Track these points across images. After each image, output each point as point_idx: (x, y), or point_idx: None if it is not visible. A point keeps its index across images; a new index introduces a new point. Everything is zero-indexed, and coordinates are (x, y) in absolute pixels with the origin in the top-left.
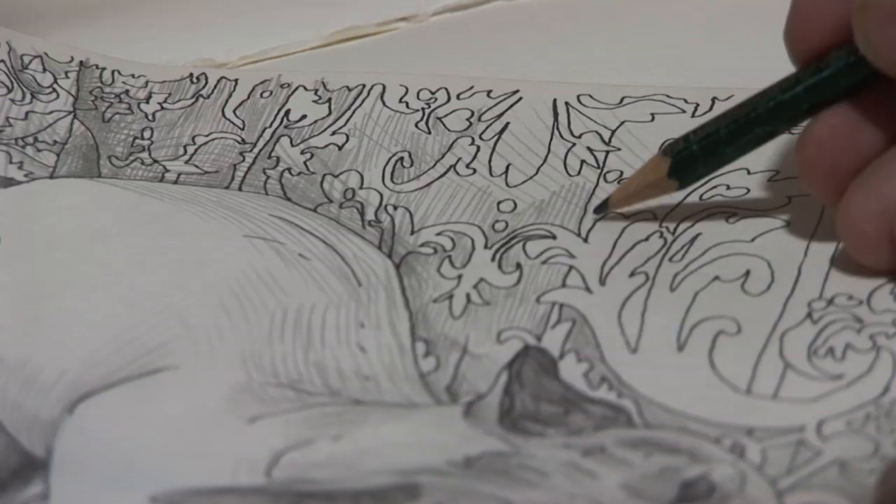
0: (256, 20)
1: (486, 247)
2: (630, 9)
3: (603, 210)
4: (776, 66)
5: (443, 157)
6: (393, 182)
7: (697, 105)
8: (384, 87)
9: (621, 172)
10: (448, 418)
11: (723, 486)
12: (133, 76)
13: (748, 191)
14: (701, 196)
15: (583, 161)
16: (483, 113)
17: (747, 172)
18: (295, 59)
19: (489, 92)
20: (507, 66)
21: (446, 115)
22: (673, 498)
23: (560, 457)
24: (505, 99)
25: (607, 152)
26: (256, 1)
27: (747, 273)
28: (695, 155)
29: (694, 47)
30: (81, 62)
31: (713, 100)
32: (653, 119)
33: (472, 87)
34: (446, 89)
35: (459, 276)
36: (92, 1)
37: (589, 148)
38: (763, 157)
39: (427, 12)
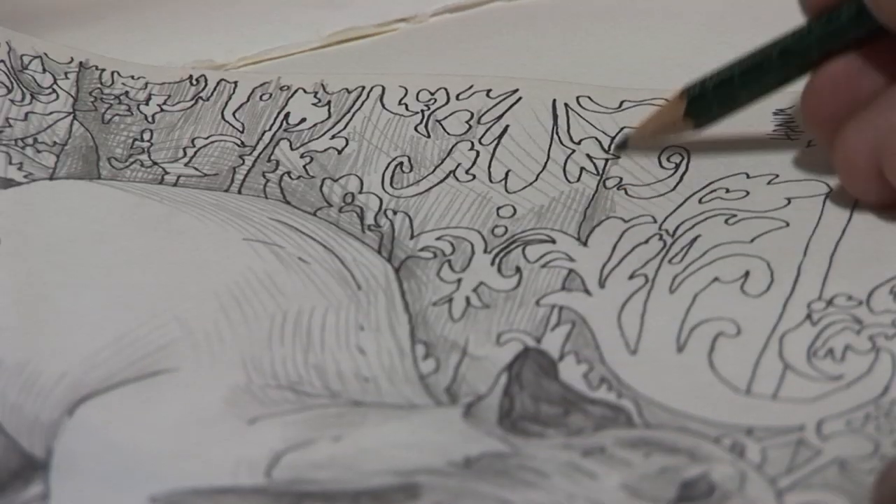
0: (256, 21)
1: (485, 251)
2: (630, 10)
3: (623, 148)
4: None
5: (442, 162)
6: (392, 187)
7: None
8: (383, 88)
9: (620, 179)
10: (448, 419)
11: (722, 486)
12: (133, 77)
13: (747, 193)
14: (700, 199)
15: (582, 168)
16: (482, 114)
17: (746, 176)
18: (294, 61)
19: (488, 92)
20: (506, 67)
21: (445, 118)
22: (673, 498)
23: (560, 457)
24: (504, 99)
25: (607, 160)
26: (256, 2)
27: (747, 274)
28: (709, 97)
29: (694, 49)
30: (81, 63)
31: None
32: None
33: (471, 87)
34: (445, 90)
35: (459, 280)
36: (92, 1)
37: (588, 155)
38: (762, 160)
39: (426, 13)
